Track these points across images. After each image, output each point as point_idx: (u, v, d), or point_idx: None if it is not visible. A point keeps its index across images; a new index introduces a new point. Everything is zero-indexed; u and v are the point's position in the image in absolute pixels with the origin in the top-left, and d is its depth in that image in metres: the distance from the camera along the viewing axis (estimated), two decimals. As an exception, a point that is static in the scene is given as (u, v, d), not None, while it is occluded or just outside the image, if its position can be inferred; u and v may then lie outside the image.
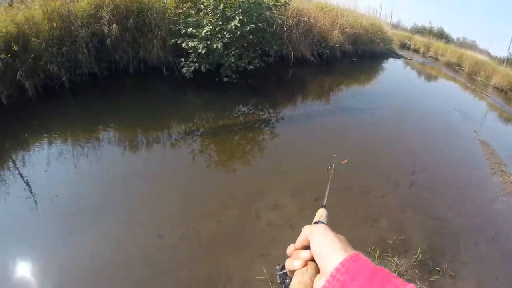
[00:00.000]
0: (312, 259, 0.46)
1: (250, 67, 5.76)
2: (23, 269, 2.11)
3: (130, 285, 2.07)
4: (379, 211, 3.15)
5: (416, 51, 16.80)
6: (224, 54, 5.54)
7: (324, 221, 0.62)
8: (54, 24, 5.47)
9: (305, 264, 0.46)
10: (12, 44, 5.00)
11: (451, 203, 3.54)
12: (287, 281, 0.54)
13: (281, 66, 6.62)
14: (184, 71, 5.35)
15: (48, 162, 3.38)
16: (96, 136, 4.08)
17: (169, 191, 3.04)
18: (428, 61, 15.29)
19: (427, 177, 4.01)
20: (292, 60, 6.71)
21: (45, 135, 4.06)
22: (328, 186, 0.92)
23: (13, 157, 3.55)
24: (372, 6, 18.35)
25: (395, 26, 18.96)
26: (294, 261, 0.47)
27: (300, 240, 0.50)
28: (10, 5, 6.47)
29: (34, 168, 3.22)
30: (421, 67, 13.38)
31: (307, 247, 0.49)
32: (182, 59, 5.42)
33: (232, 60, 5.53)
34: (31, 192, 2.82)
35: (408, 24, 23.06)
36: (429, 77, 11.98)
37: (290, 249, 0.52)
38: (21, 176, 3.09)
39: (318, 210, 0.67)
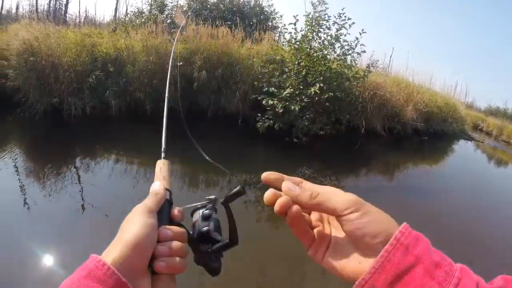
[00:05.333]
0: None
1: (321, 133, 5.83)
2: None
3: None
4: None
5: (488, 133, 15.72)
6: (299, 116, 5.71)
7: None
8: (151, 58, 6.16)
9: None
10: (109, 65, 5.73)
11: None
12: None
13: (351, 135, 6.60)
14: (259, 126, 5.58)
15: (110, 174, 3.65)
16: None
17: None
18: (500, 145, 14.16)
19: (485, 268, 3.51)
20: (362, 131, 6.67)
21: (115, 150, 4.43)
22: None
23: (79, 163, 3.92)
24: (447, 83, 17.96)
25: (469, 106, 18.16)
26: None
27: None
28: (114, 31, 7.55)
29: (93, 178, 3.51)
30: (492, 151, 12.40)
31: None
32: (259, 114, 5.69)
33: (306, 123, 5.66)
34: (82, 198, 3.05)
35: (482, 105, 21.97)
36: (500, 162, 11.01)
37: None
38: (79, 181, 3.39)
39: (158, 162, 0.56)
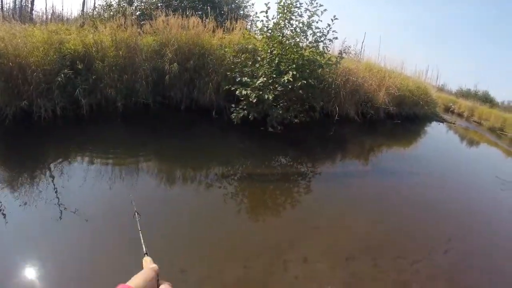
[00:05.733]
0: None
1: (296, 121, 5.88)
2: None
3: None
4: (410, 278, 2.96)
5: (460, 115, 16.38)
6: (273, 105, 5.72)
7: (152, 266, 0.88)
8: (120, 53, 5.91)
9: None
10: (77, 62, 5.44)
11: (485, 273, 3.25)
12: None
13: (325, 122, 6.70)
14: (233, 117, 5.55)
15: (84, 178, 3.53)
16: (136, 163, 4.26)
17: (197, 229, 3.05)
18: (471, 125, 14.80)
19: (463, 245, 3.73)
20: (336, 117, 6.78)
21: (88, 152, 4.28)
22: (141, 234, 1.15)
23: (53, 167, 3.77)
24: (418, 68, 18.40)
25: (440, 89, 18.78)
26: None
27: None
28: (82, 26, 7.19)
29: (68, 181, 3.41)
30: (464, 131, 12.94)
31: None
32: (233, 105, 5.66)
33: (280, 111, 5.69)
34: (58, 201, 2.98)
35: (454, 87, 22.81)
36: (471, 142, 11.53)
37: None
38: (53, 185, 3.29)
39: (144, 259, 0.94)
